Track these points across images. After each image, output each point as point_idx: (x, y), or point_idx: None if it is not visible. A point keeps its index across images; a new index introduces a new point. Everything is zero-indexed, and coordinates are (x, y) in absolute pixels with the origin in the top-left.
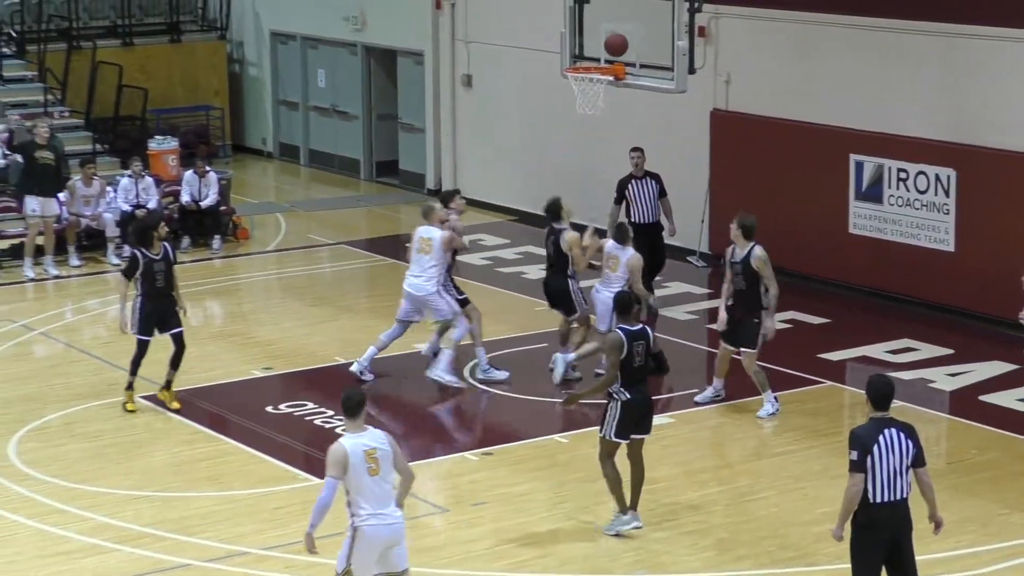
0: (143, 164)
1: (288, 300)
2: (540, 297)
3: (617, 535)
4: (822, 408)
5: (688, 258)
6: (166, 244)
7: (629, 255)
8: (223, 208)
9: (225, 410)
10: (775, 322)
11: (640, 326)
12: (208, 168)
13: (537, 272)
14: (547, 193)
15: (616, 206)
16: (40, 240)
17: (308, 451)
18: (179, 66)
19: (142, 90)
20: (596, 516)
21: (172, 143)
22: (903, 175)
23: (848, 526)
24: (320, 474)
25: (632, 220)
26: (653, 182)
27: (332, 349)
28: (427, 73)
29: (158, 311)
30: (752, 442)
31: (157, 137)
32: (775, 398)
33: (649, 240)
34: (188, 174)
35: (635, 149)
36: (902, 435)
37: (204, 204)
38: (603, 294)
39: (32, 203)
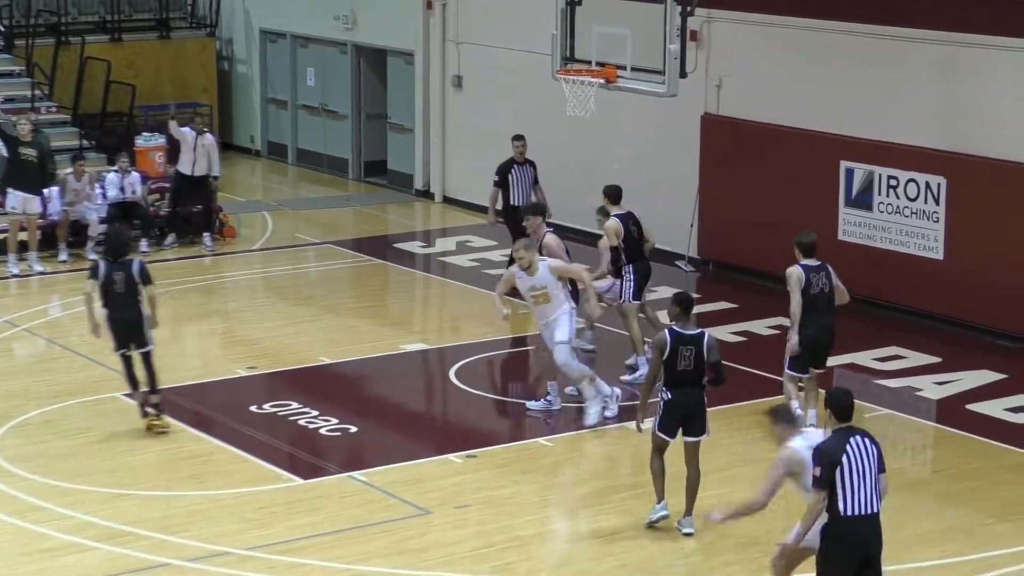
0: (130, 160)
1: (273, 299)
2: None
3: (652, 526)
4: None
5: (676, 263)
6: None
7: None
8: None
9: (209, 409)
10: (794, 339)
11: (697, 331)
12: (193, 129)
13: None
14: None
15: (496, 189)
16: (24, 236)
17: (292, 451)
18: (168, 63)
19: (130, 86)
20: (580, 519)
21: (159, 140)
22: (893, 182)
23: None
24: (305, 474)
25: (512, 203)
26: (531, 168)
27: (317, 349)
28: (417, 73)
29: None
30: (739, 447)
31: (145, 134)
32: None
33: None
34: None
35: (518, 137)
36: (866, 440)
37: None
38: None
39: (12, 199)
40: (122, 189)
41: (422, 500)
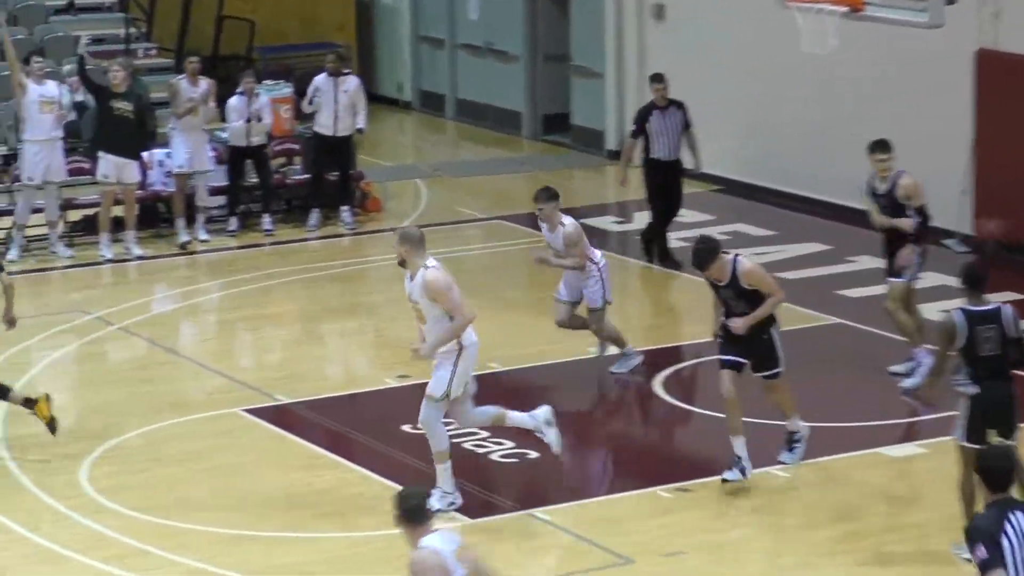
0: (256, 79)
1: None
2: None
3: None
4: None
5: (944, 242)
6: None
7: None
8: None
9: (351, 428)
10: None
11: (993, 306)
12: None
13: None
14: (763, 155)
15: (633, 140)
16: (119, 211)
17: (457, 482)
18: None
19: (247, 22)
20: (821, 571)
21: (285, 90)
22: None
23: None
24: (474, 512)
25: (653, 156)
26: (679, 111)
27: (486, 352)
28: (607, 2)
29: None
30: None
31: (267, 82)
32: None
33: (665, 179)
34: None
35: (656, 78)
36: None
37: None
38: None
39: (105, 165)
40: (248, 118)
41: (622, 546)
